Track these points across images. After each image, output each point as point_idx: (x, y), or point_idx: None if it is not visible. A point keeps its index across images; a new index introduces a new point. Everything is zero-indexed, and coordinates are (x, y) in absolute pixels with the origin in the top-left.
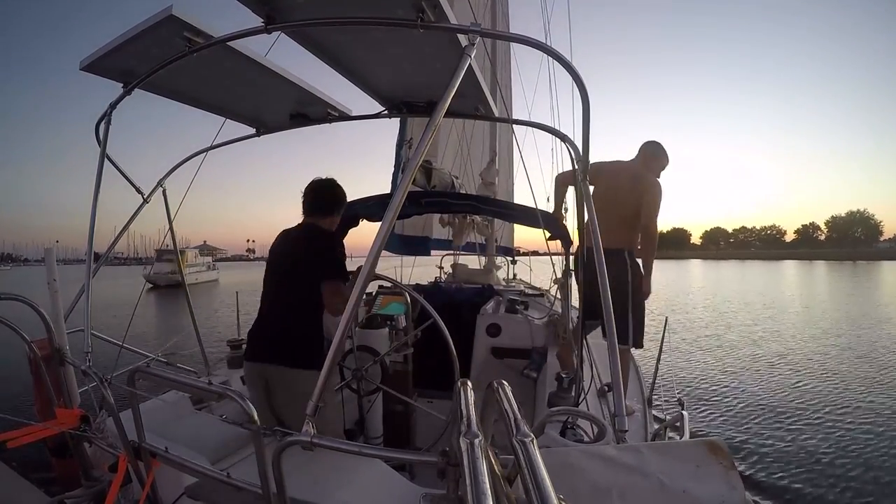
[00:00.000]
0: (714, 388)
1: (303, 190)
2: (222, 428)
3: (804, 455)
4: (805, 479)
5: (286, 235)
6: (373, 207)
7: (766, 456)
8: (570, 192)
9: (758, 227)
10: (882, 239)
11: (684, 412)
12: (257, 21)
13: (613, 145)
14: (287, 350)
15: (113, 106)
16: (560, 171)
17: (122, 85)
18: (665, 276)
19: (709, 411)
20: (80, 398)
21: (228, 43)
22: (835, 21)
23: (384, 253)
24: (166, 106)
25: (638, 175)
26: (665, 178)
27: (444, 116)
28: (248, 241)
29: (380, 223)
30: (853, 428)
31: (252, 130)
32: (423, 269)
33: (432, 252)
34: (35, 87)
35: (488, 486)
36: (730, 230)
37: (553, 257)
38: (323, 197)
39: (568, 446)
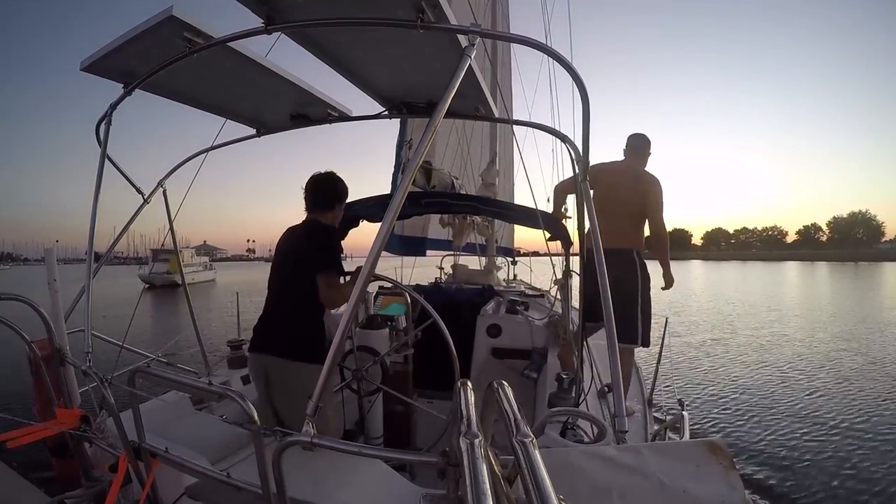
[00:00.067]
0: (714, 388)
1: (304, 186)
2: (222, 428)
3: (804, 455)
4: (805, 479)
5: (291, 233)
6: (373, 208)
7: (765, 456)
8: (571, 196)
9: (759, 228)
10: (884, 240)
11: (684, 412)
12: (257, 21)
13: (613, 145)
14: (287, 343)
15: (113, 106)
16: (560, 176)
17: (122, 85)
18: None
19: (709, 411)
20: (80, 398)
21: (229, 43)
22: (835, 21)
23: (384, 253)
24: (166, 106)
25: (638, 175)
26: (665, 179)
27: (444, 117)
28: (248, 240)
29: (380, 224)
30: (854, 428)
31: (252, 131)
32: (423, 270)
33: (431, 252)
34: (35, 87)
35: (488, 486)
36: (731, 231)
37: (553, 258)
38: (323, 192)
39: (568, 447)
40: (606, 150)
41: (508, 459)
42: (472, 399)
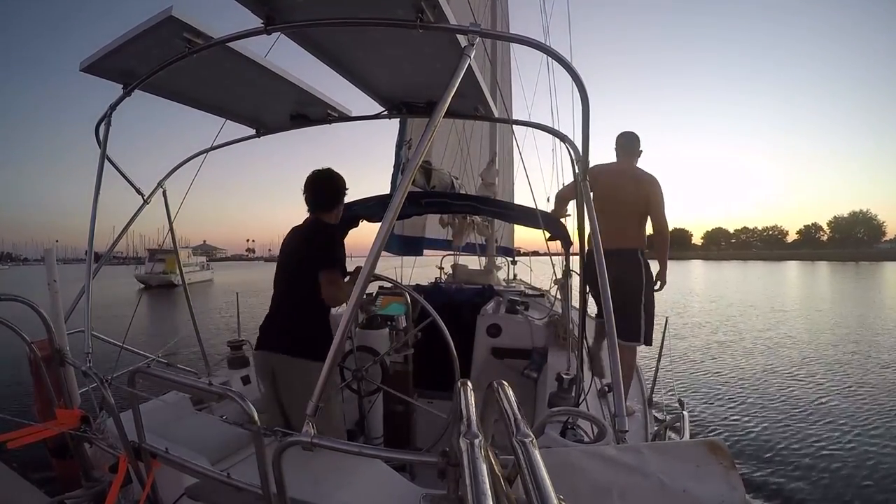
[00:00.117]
0: (715, 389)
1: (303, 185)
2: (222, 428)
3: (805, 455)
4: (805, 480)
5: (294, 233)
6: (373, 208)
7: (766, 456)
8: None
9: (759, 228)
10: (884, 240)
11: (684, 412)
12: (257, 22)
13: (613, 145)
14: (293, 341)
15: (113, 107)
16: (560, 176)
17: (122, 86)
18: (667, 277)
19: (709, 412)
20: (80, 399)
21: (228, 44)
22: (835, 21)
23: (384, 253)
24: (166, 107)
25: (638, 175)
26: (665, 179)
27: (443, 117)
28: (248, 240)
29: (380, 224)
30: (854, 428)
31: (252, 131)
32: (423, 270)
33: (430, 252)
34: (35, 87)
35: (488, 486)
36: (731, 230)
37: (553, 257)
38: (322, 190)
39: (568, 446)
40: (606, 150)
41: (508, 459)
42: (472, 399)
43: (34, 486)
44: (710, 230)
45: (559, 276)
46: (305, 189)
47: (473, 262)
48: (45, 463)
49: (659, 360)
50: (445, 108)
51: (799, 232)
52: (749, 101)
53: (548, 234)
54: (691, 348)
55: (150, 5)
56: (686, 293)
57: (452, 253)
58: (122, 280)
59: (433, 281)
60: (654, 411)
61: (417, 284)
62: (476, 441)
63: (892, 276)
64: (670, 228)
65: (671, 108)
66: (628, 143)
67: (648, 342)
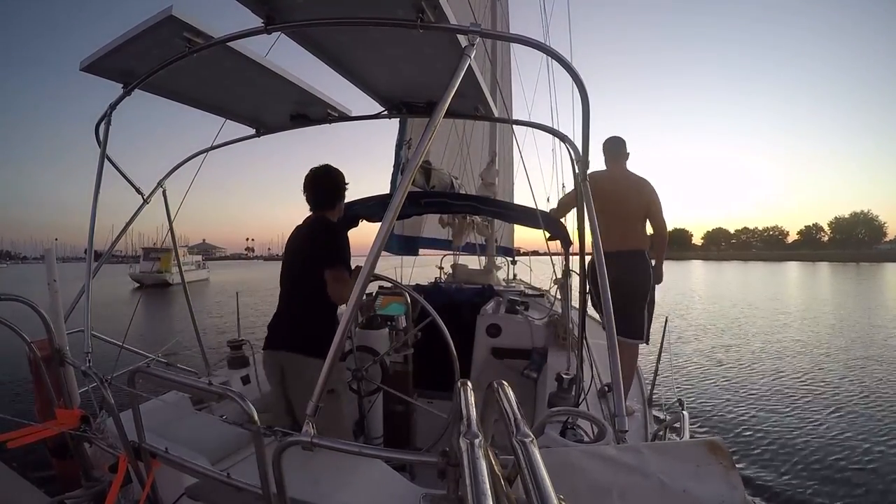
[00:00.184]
0: (715, 389)
1: (302, 184)
2: (222, 428)
3: (805, 455)
4: (806, 479)
5: (297, 232)
6: (373, 208)
7: (766, 456)
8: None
9: (759, 228)
10: (885, 240)
11: (684, 412)
12: (257, 21)
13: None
14: (301, 339)
15: (113, 107)
16: (560, 176)
17: (121, 85)
18: (667, 278)
19: (710, 412)
20: (80, 399)
21: (228, 43)
22: (835, 21)
23: (384, 253)
24: (166, 106)
25: (636, 182)
26: (665, 179)
27: (443, 117)
28: (247, 239)
29: (379, 224)
30: (855, 428)
31: (252, 131)
32: (423, 270)
33: (430, 251)
34: (35, 86)
35: (488, 486)
36: (731, 231)
37: (553, 257)
38: (322, 187)
39: (568, 446)
40: None
41: (508, 459)
42: (472, 399)
43: (34, 485)
44: (710, 230)
45: (559, 276)
46: (305, 188)
47: (473, 262)
48: (45, 463)
49: (659, 360)
50: (445, 108)
51: (800, 232)
52: (749, 101)
53: (548, 234)
54: (696, 352)
55: (150, 5)
56: (687, 294)
57: (452, 253)
58: (118, 279)
59: (433, 281)
60: (654, 411)
61: (417, 284)
62: (476, 441)
63: (894, 278)
64: (670, 229)
65: (671, 108)
66: (615, 148)
67: (647, 340)
